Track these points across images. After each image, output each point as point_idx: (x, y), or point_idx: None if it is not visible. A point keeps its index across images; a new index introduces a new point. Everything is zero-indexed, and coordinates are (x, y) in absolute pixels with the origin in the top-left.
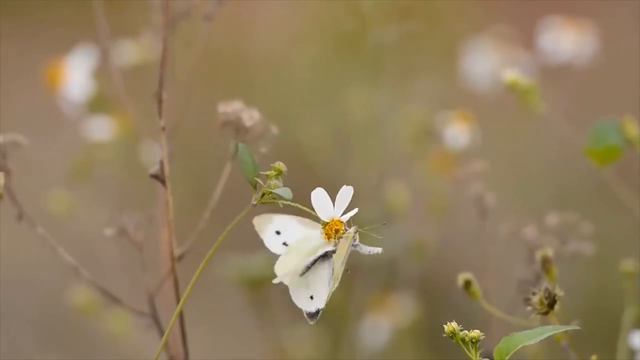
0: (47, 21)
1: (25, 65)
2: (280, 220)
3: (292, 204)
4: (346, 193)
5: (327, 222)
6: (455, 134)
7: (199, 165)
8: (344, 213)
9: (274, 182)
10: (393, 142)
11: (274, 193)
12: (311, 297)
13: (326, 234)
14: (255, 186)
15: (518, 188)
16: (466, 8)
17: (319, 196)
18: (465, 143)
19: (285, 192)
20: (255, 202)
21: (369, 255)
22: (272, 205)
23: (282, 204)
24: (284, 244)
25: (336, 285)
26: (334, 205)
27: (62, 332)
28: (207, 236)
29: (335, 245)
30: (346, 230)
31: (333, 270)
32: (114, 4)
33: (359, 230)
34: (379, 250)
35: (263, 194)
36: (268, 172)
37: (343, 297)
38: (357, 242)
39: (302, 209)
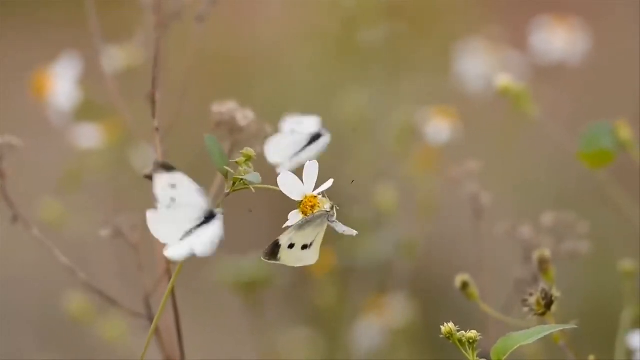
0: (40, 23)
1: (18, 68)
2: (180, 178)
3: (267, 187)
4: (312, 168)
5: (301, 201)
6: (436, 129)
7: (193, 166)
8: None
9: (244, 168)
10: (387, 142)
11: (244, 179)
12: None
13: (302, 212)
14: (226, 175)
15: (514, 188)
16: (459, 9)
17: (285, 180)
18: (447, 138)
19: (254, 177)
20: (228, 191)
21: (364, 258)
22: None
23: (255, 188)
24: (173, 199)
25: (306, 260)
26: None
27: (62, 332)
28: None
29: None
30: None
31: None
32: (106, 5)
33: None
34: (354, 232)
35: (234, 182)
36: (238, 159)
37: (337, 299)
38: (334, 218)
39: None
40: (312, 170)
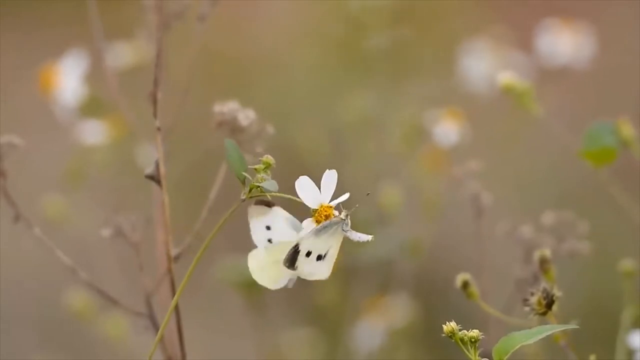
0: (42, 22)
1: (20, 66)
2: (274, 217)
3: (282, 195)
4: (330, 177)
5: (317, 209)
6: (446, 131)
7: (195, 165)
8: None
9: (262, 175)
10: (390, 143)
11: (261, 186)
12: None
13: (316, 221)
14: (243, 181)
15: (516, 188)
16: (464, 10)
17: (303, 184)
18: (456, 140)
19: (271, 185)
20: (244, 197)
21: (366, 258)
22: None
23: (271, 196)
24: (269, 240)
25: (319, 274)
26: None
27: (62, 331)
28: (204, 236)
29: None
30: (337, 214)
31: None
32: (107, 5)
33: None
34: (369, 237)
35: (251, 189)
36: (257, 166)
37: (339, 299)
38: (348, 227)
39: (293, 200)
40: (330, 179)
